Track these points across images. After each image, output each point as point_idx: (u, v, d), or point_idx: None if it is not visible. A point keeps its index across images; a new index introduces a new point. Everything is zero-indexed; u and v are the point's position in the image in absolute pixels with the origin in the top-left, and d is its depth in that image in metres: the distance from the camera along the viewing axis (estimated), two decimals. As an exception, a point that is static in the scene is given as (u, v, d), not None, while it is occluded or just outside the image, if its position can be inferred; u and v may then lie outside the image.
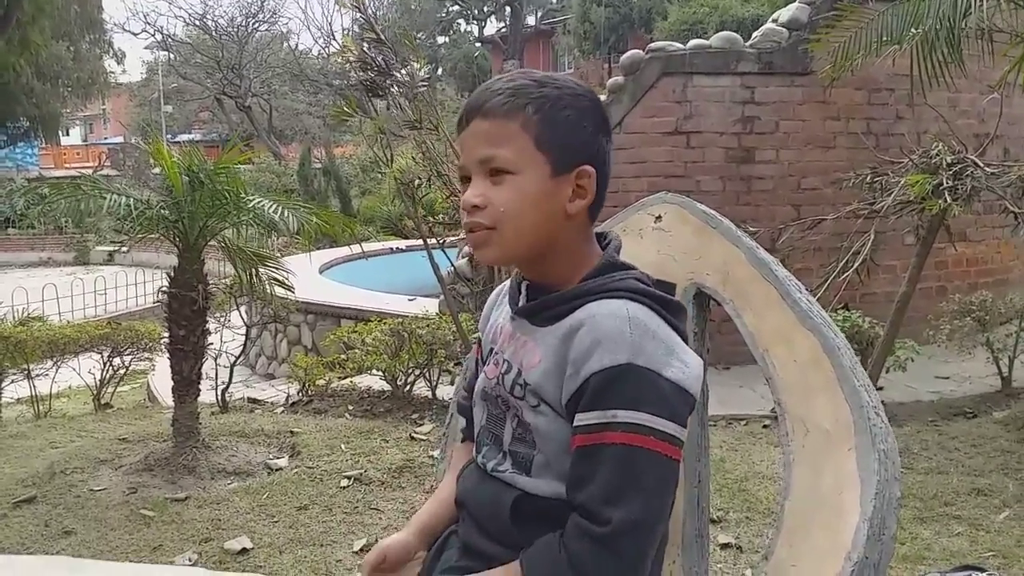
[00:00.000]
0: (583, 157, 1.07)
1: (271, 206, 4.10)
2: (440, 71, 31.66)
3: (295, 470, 3.92)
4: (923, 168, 3.94)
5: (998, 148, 6.00)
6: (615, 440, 0.97)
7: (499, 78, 1.10)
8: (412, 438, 4.32)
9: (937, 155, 3.93)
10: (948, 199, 3.74)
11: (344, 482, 3.74)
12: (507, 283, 1.22)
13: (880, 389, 4.56)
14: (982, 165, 3.87)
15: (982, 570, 2.23)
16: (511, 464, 1.10)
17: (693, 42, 6.23)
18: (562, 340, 1.03)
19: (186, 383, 4.08)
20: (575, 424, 1.00)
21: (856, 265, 4.04)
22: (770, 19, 6.36)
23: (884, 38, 4.32)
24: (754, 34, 6.20)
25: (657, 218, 1.61)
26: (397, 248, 10.34)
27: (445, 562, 1.17)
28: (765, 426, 4.40)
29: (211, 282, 4.30)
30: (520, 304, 1.12)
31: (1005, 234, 6.54)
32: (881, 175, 4.18)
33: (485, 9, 35.25)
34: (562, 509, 1.02)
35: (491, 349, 1.17)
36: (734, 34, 6.29)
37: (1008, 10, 4.14)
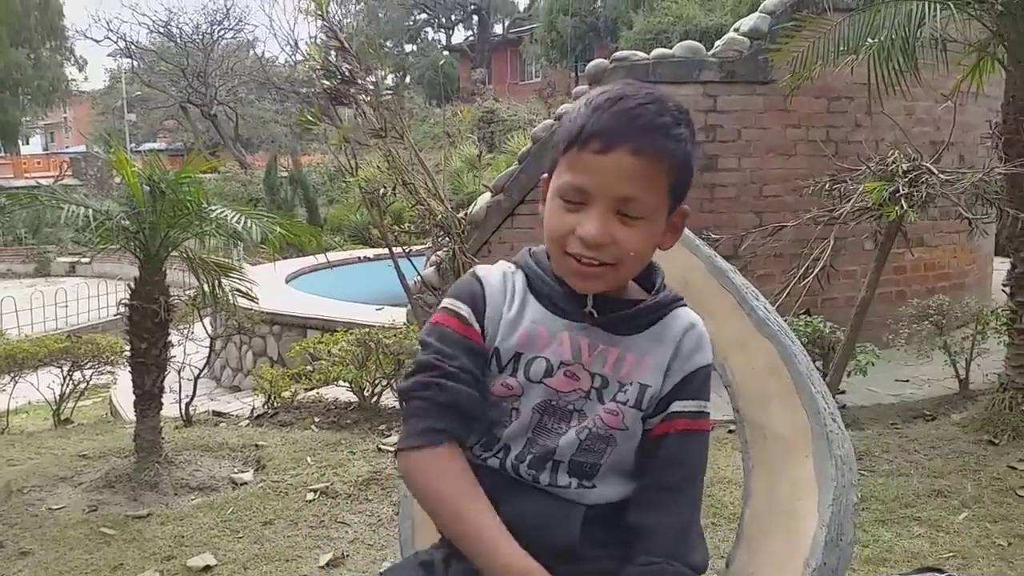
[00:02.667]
0: (685, 197, 1.09)
1: (234, 216, 4.05)
2: (408, 79, 31.62)
3: (260, 484, 3.87)
4: (880, 175, 4.02)
5: (953, 155, 6.15)
6: (704, 427, 1.13)
7: (640, 101, 1.03)
8: (379, 450, 4.28)
9: (894, 162, 4.01)
10: (904, 205, 3.82)
11: (310, 496, 3.69)
12: (498, 276, 1.14)
13: (842, 393, 4.64)
14: (936, 172, 3.96)
15: (942, 571, 2.26)
16: (569, 475, 1.09)
17: (656, 51, 6.29)
18: (672, 344, 1.11)
19: (148, 397, 4.01)
20: (675, 410, 1.10)
21: (817, 271, 4.11)
22: (732, 29, 6.45)
23: (841, 48, 4.40)
24: (716, 43, 6.29)
25: (616, 228, 1.62)
26: (364, 257, 10.27)
27: None
28: (730, 431, 4.43)
29: (174, 293, 4.23)
30: (596, 315, 1.09)
31: (961, 239, 6.70)
32: (840, 182, 4.26)
33: (453, 18, 35.30)
34: (621, 507, 1.11)
35: (516, 354, 1.08)
36: (697, 43, 6.37)
37: (961, 20, 4.24)
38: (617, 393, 1.09)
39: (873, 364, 4.57)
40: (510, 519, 1.04)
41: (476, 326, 1.10)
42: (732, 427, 4.47)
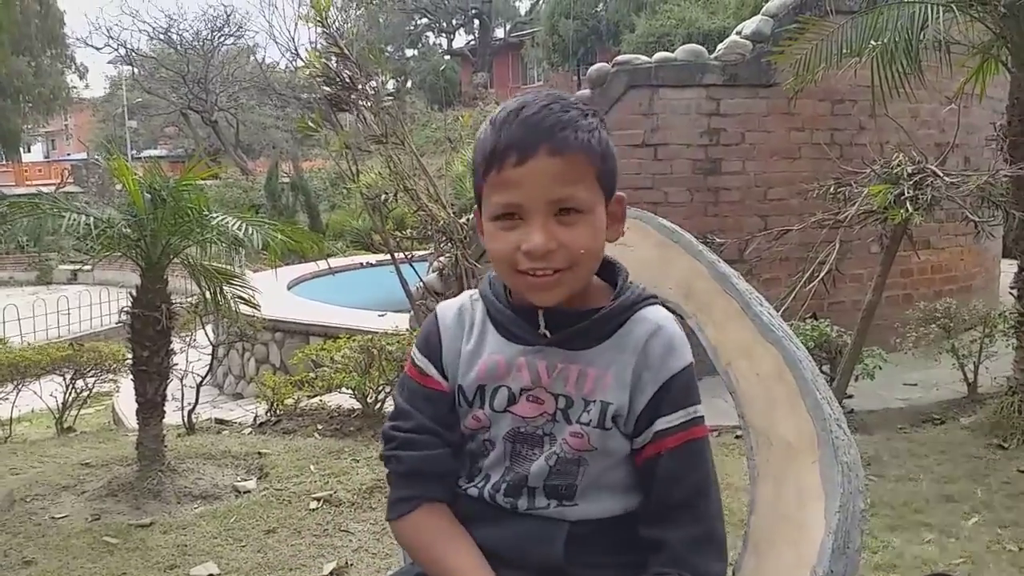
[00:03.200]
0: (616, 184, 1.06)
1: (235, 223, 4.04)
2: (409, 84, 31.67)
3: (263, 492, 3.85)
4: (885, 178, 4.00)
5: (958, 157, 6.13)
6: (699, 434, 1.07)
7: (540, 104, 1.01)
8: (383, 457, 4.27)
9: (898, 165, 3.99)
10: (910, 208, 3.80)
11: (313, 504, 3.67)
12: (454, 312, 1.14)
13: (849, 397, 4.61)
14: (941, 175, 3.94)
15: (951, 577, 2.25)
16: (548, 497, 1.07)
17: (659, 55, 6.28)
18: (634, 352, 1.05)
19: (150, 405, 4.00)
20: (661, 428, 1.04)
21: (823, 274, 4.09)
22: (734, 32, 6.44)
23: (845, 50, 4.39)
24: (719, 47, 6.28)
25: (619, 233, 1.60)
26: (366, 263, 10.28)
27: None
28: (738, 436, 4.41)
29: (176, 301, 4.22)
30: (549, 334, 1.05)
31: (967, 242, 6.67)
32: (845, 185, 4.24)
33: (454, 22, 35.36)
34: (613, 524, 1.07)
35: (480, 387, 1.09)
36: (699, 47, 6.36)
37: (964, 22, 4.23)
38: (582, 414, 1.05)
39: (880, 368, 4.55)
40: (494, 543, 1.07)
41: (434, 373, 1.12)
42: (739, 433, 4.44)
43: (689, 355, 1.07)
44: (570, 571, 1.06)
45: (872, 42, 4.20)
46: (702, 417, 1.08)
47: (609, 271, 1.11)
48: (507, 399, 1.07)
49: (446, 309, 1.15)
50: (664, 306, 1.51)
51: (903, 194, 3.86)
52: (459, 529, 1.10)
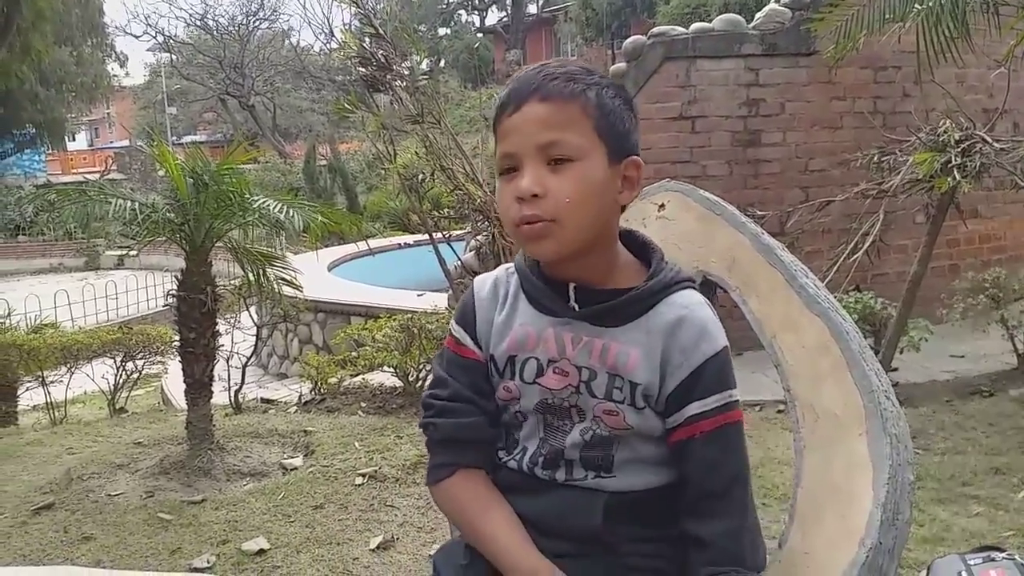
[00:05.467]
0: (632, 148, 1.06)
1: (276, 206, 4.09)
2: (442, 63, 31.59)
3: (310, 469, 3.93)
4: (931, 146, 3.90)
5: (1007, 123, 5.94)
6: (735, 418, 1.07)
7: (544, 64, 1.06)
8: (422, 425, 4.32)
9: (945, 132, 3.89)
10: (957, 176, 3.71)
11: (359, 480, 3.74)
12: (490, 284, 1.16)
13: (894, 370, 4.54)
14: (991, 141, 3.83)
15: (1002, 550, 2.21)
16: (585, 469, 1.08)
17: (696, 26, 6.18)
18: (662, 335, 1.04)
19: (198, 386, 4.09)
20: (695, 412, 1.04)
21: (866, 246, 4.02)
22: (773, 0, 6.30)
23: (888, 15, 4.27)
24: (757, 15, 6.15)
25: (660, 206, 1.59)
26: (404, 243, 10.34)
27: None
28: (780, 411, 4.38)
29: (220, 283, 4.30)
30: (578, 307, 1.06)
31: (1017, 210, 6.48)
32: (889, 154, 4.15)
33: None
34: (652, 496, 1.08)
35: (511, 357, 1.10)
36: (737, 16, 6.24)
37: (1014, -18, 4.08)
38: (613, 390, 1.06)
39: (926, 340, 4.46)
40: (534, 513, 1.09)
41: (470, 342, 1.14)
42: (781, 407, 4.41)
43: (723, 339, 1.06)
44: (608, 540, 1.07)
45: (917, 5, 4.08)
46: (737, 401, 1.07)
47: (644, 251, 1.11)
48: (536, 370, 1.09)
49: (482, 281, 1.18)
50: (708, 282, 1.52)
51: (950, 162, 3.77)
52: (495, 494, 1.12)
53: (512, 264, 1.17)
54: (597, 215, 1.03)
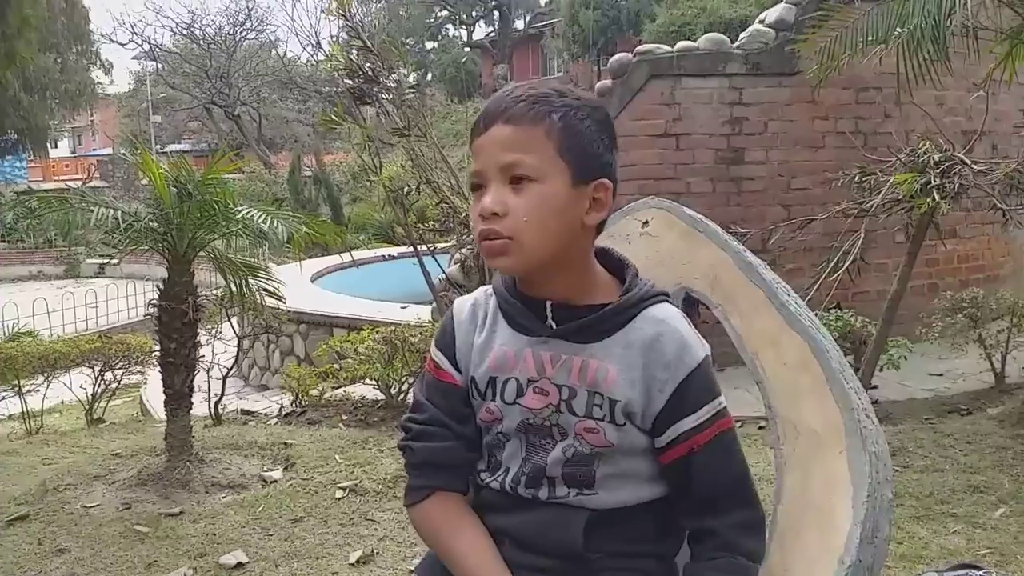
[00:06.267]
0: (601, 170, 1.07)
1: (260, 216, 4.08)
2: (429, 76, 31.69)
3: (290, 482, 3.90)
4: (911, 166, 3.96)
5: (986, 145, 6.04)
6: (727, 425, 1.08)
7: (518, 86, 1.09)
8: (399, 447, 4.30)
9: (925, 153, 3.94)
10: (936, 197, 3.75)
11: (339, 493, 3.72)
12: (468, 306, 1.17)
13: (874, 387, 4.58)
14: (969, 163, 3.89)
15: (979, 568, 2.23)
16: (568, 486, 1.09)
17: (681, 44, 6.24)
18: (641, 350, 1.05)
19: (178, 396, 4.06)
20: (688, 427, 1.05)
21: (847, 264, 4.06)
22: (757, 20, 6.38)
23: (870, 37, 4.33)
24: (741, 35, 6.22)
25: (644, 223, 1.60)
26: (389, 255, 10.33)
27: None
28: (761, 427, 4.39)
29: (202, 293, 4.27)
30: (555, 325, 1.07)
31: (995, 230, 6.57)
32: (870, 174, 4.20)
33: (474, 14, 35.29)
34: (635, 512, 1.09)
35: (491, 378, 1.11)
36: (721, 36, 6.31)
37: (993, 7, 4.16)
38: (593, 407, 1.06)
39: (906, 358, 4.51)
40: (514, 529, 1.10)
41: (448, 366, 1.16)
42: (762, 424, 4.43)
43: (703, 349, 1.08)
44: (589, 558, 1.07)
45: (898, 29, 4.14)
46: (726, 407, 1.09)
47: (618, 267, 1.13)
48: (516, 391, 1.10)
49: (461, 304, 1.19)
50: (690, 299, 1.52)
51: (929, 183, 3.82)
52: (468, 517, 1.14)
53: (490, 286, 1.18)
54: (556, 234, 1.04)
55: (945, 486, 3.47)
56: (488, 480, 1.14)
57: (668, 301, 1.11)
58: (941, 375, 5.20)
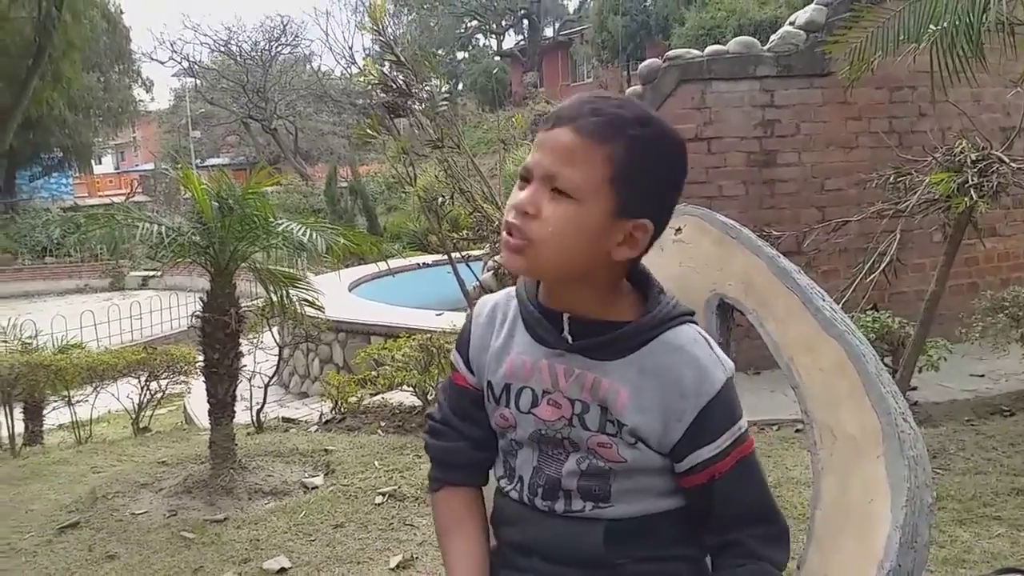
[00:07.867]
0: (648, 211, 1.02)
1: (299, 228, 4.16)
2: (460, 86, 31.86)
3: (330, 488, 3.97)
4: (947, 166, 3.90)
5: (1025, 141, 5.92)
6: (747, 450, 1.07)
7: (604, 97, 1.03)
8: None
9: (961, 152, 3.89)
10: (974, 196, 3.70)
11: (379, 499, 3.77)
12: (488, 308, 1.17)
13: (913, 389, 4.52)
14: (1008, 160, 3.83)
15: (1023, 572, 2.20)
16: (583, 499, 1.08)
17: (711, 48, 6.23)
18: (657, 378, 1.03)
19: (221, 405, 4.15)
20: (706, 457, 1.04)
21: (883, 265, 4.01)
22: (787, 22, 6.34)
23: (902, 37, 4.29)
24: (772, 37, 6.19)
25: (677, 230, 1.62)
26: (424, 264, 10.41)
27: None
28: (798, 431, 4.36)
29: (243, 304, 4.37)
30: (572, 339, 1.05)
31: (1037, 228, 6.44)
32: (905, 174, 4.15)
33: (503, 23, 35.44)
34: (652, 520, 1.08)
35: (507, 385, 1.11)
36: (751, 38, 6.28)
37: (1029, 2, 4.09)
38: (606, 423, 1.05)
39: (945, 359, 4.44)
40: (536, 542, 1.10)
41: (463, 368, 1.17)
42: (799, 426, 4.39)
43: (722, 373, 1.04)
44: (612, 562, 1.07)
45: (931, 27, 4.10)
46: (747, 430, 1.07)
47: (643, 281, 1.09)
48: (531, 400, 1.09)
49: (482, 305, 1.18)
50: (724, 305, 1.54)
51: (967, 182, 3.77)
52: (468, 518, 1.17)
53: (514, 288, 1.16)
54: (576, 257, 1.00)
55: (988, 489, 3.42)
56: (507, 489, 1.14)
57: (691, 321, 1.07)
58: (982, 376, 5.11)
